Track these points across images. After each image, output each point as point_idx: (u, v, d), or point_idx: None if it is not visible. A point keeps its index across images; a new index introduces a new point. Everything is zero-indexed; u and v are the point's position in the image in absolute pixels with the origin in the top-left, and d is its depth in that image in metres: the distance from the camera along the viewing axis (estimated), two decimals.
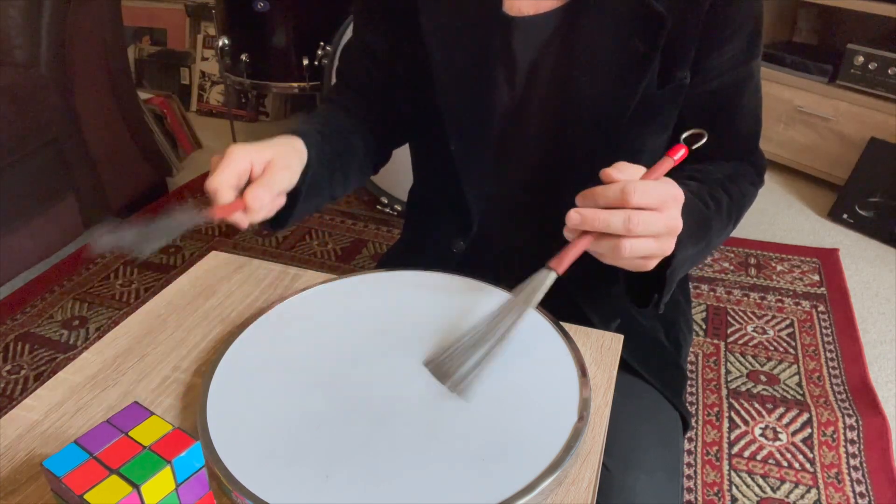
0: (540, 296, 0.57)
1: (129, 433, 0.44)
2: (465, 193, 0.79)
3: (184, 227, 0.56)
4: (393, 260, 0.94)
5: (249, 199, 0.59)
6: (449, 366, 0.56)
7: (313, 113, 0.82)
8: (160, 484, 0.41)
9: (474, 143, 0.77)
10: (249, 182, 0.61)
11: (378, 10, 0.81)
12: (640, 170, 0.57)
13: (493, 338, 0.56)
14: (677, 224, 0.56)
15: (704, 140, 0.62)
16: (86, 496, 0.40)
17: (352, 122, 0.82)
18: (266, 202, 0.61)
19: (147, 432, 0.44)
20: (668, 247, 0.57)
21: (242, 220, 0.61)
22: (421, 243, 0.90)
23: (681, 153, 0.60)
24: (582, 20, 0.70)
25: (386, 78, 0.84)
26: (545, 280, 0.56)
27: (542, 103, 0.75)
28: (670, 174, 0.60)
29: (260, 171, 0.62)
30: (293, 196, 0.67)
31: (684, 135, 0.63)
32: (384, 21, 0.81)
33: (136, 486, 0.40)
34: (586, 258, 0.58)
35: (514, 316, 0.57)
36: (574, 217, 0.55)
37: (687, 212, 0.58)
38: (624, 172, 0.56)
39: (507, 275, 0.67)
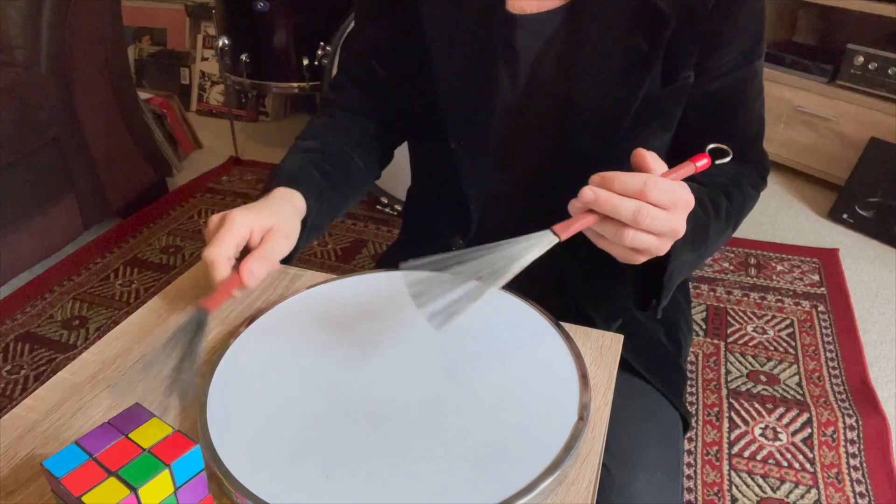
0: (536, 254, 0.55)
1: (130, 435, 0.44)
2: (465, 191, 0.79)
3: (199, 333, 0.55)
4: (392, 259, 0.94)
5: (245, 276, 0.58)
6: (430, 294, 0.54)
7: (311, 129, 0.81)
8: (159, 487, 0.41)
9: (475, 142, 0.77)
10: (247, 249, 0.60)
11: (379, 6, 0.81)
12: (663, 166, 0.57)
13: (479, 278, 0.54)
14: (681, 227, 0.56)
15: (728, 159, 0.62)
16: (84, 498, 0.39)
17: (352, 136, 0.81)
18: (260, 278, 0.59)
19: (147, 434, 0.44)
20: (665, 247, 0.57)
21: (236, 296, 0.59)
22: (419, 242, 0.90)
23: (703, 162, 0.60)
24: (585, 19, 0.70)
25: (386, 74, 0.83)
26: (545, 240, 0.56)
27: (544, 102, 0.75)
28: None
29: (258, 239, 0.61)
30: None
31: (710, 146, 0.62)
32: (385, 17, 0.81)
33: (133, 489, 0.40)
34: (589, 259, 0.58)
35: (509, 265, 0.55)
36: (588, 194, 0.54)
37: (687, 217, 0.58)
38: (657, 163, 0.56)
39: None
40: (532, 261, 0.55)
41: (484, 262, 0.55)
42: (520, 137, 0.77)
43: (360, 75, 0.87)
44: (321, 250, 1.99)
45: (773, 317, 1.70)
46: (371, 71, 0.85)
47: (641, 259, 0.58)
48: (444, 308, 0.53)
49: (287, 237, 0.63)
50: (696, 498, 1.23)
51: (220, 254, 0.57)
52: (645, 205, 0.53)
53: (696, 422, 1.39)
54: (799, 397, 1.45)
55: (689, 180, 0.71)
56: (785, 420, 1.39)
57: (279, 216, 0.63)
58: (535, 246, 0.55)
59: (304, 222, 0.69)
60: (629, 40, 0.69)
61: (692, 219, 0.61)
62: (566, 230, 0.56)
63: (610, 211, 0.53)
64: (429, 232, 0.89)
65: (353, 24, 1.87)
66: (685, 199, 0.56)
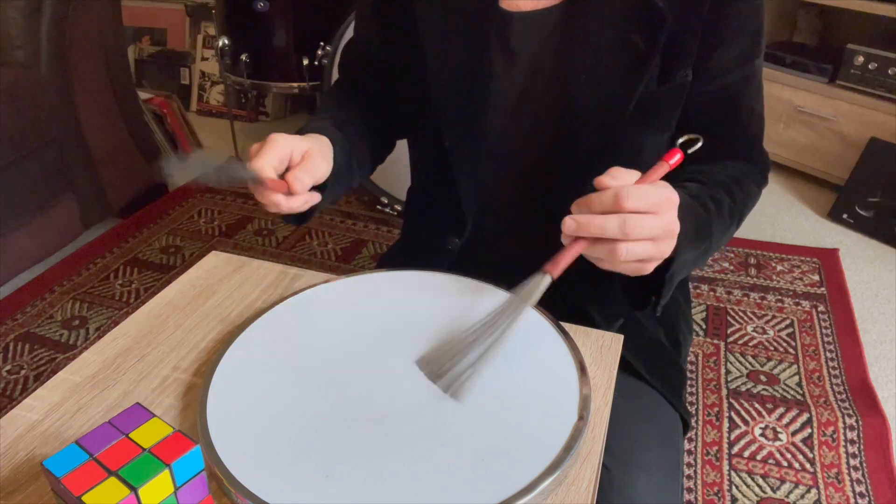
0: (535, 299, 0.57)
1: (130, 435, 0.44)
2: (459, 190, 0.78)
3: (237, 177, 0.59)
4: (391, 259, 0.94)
5: (291, 181, 0.62)
6: (442, 366, 0.56)
7: (324, 105, 0.85)
8: (159, 487, 0.41)
9: (468, 140, 0.77)
10: (288, 169, 0.64)
11: (375, 4, 0.81)
12: (634, 174, 0.57)
13: (487, 340, 0.56)
14: (674, 227, 0.56)
15: (699, 145, 0.62)
16: (84, 497, 0.40)
17: (358, 112, 0.83)
18: (307, 186, 0.63)
19: (148, 434, 0.44)
20: (666, 249, 0.57)
21: (281, 203, 0.62)
22: (417, 242, 0.90)
23: (676, 158, 0.60)
24: (581, 17, 0.70)
25: (383, 73, 0.84)
26: (540, 284, 0.56)
27: (540, 101, 0.74)
28: (672, 176, 0.60)
29: (298, 158, 0.64)
30: (319, 189, 0.69)
31: (680, 140, 0.62)
32: (381, 15, 0.81)
33: (133, 489, 0.40)
34: (590, 260, 0.58)
35: (509, 319, 0.57)
36: (569, 224, 0.55)
37: (685, 215, 0.57)
38: (617, 178, 0.55)
39: (503, 274, 0.66)
40: (534, 304, 0.57)
41: (488, 325, 0.57)
42: (516, 136, 0.77)
43: (356, 75, 0.87)
44: (321, 250, 1.99)
45: (773, 317, 1.70)
46: (367, 70, 0.85)
47: (649, 268, 0.58)
48: (457, 376, 0.55)
49: (325, 159, 0.66)
50: (696, 498, 1.23)
51: (265, 162, 0.61)
52: (629, 215, 0.53)
53: (696, 422, 1.39)
54: (799, 397, 1.45)
55: (689, 180, 0.71)
56: (785, 420, 1.39)
57: (315, 142, 0.67)
58: (533, 293, 0.56)
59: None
60: (626, 39, 0.68)
61: (692, 217, 0.61)
62: (557, 267, 0.56)
63: (596, 232, 0.53)
64: (426, 232, 0.88)
65: (352, 26, 1.87)
66: (668, 198, 0.55)
